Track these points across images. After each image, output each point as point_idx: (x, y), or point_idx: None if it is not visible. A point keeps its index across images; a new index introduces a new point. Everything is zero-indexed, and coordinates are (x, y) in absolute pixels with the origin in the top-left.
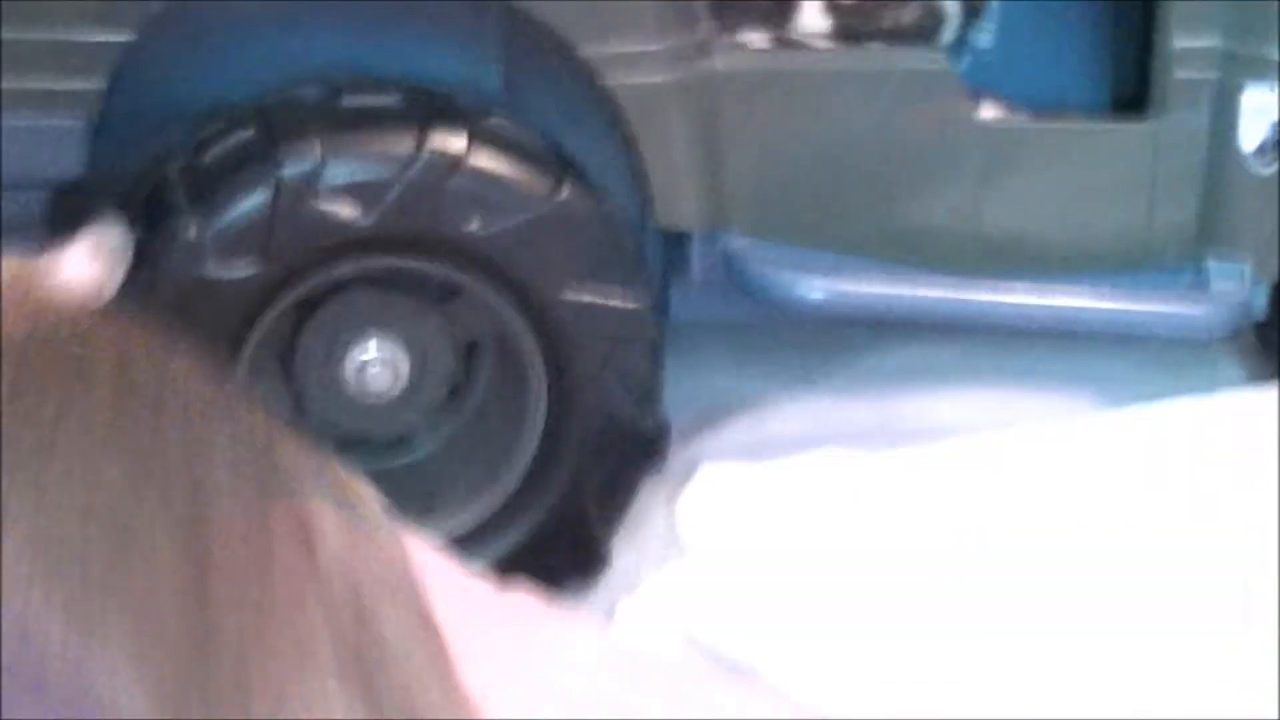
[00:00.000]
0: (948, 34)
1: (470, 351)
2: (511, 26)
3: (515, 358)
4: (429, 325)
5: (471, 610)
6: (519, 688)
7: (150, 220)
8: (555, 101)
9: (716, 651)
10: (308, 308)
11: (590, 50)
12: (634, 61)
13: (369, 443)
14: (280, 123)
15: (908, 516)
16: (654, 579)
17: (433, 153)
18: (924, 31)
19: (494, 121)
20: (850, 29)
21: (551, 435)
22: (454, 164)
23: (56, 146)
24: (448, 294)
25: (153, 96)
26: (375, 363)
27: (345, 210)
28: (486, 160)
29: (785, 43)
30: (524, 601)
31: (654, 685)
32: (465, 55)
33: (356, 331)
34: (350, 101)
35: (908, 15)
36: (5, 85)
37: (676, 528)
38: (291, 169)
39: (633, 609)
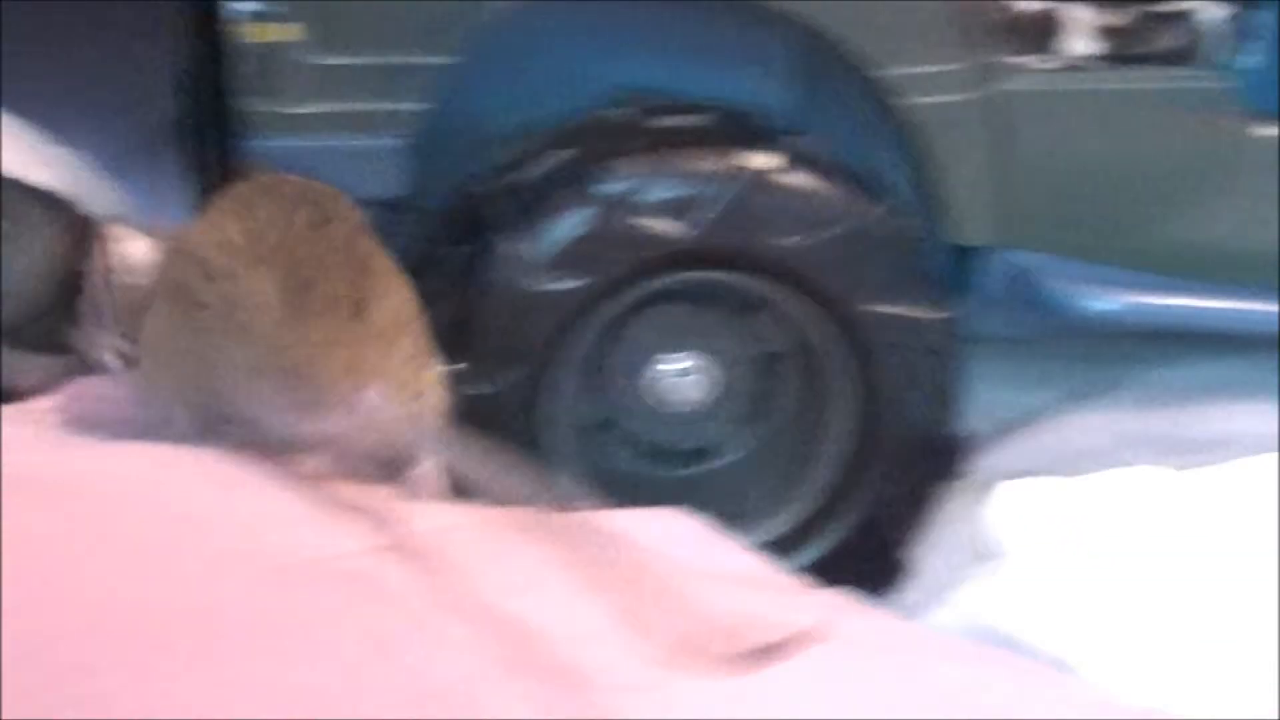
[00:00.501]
0: (1219, 54)
1: (773, 363)
2: (807, 48)
3: (819, 369)
4: (734, 337)
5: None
6: None
7: (471, 235)
8: (850, 120)
9: (1037, 652)
10: (616, 321)
11: (886, 71)
12: (931, 82)
13: (674, 451)
14: (596, 143)
15: (1214, 529)
16: (966, 586)
17: (747, 171)
18: (1194, 53)
19: (801, 140)
20: (1123, 51)
21: (857, 445)
22: (767, 182)
23: (377, 166)
24: (752, 307)
25: (469, 117)
26: (682, 374)
27: (663, 226)
28: (797, 178)
29: (1068, 64)
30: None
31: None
32: (765, 77)
33: (664, 344)
34: (662, 122)
35: (1176, 37)
36: (327, 108)
37: (983, 538)
38: (611, 187)
39: (950, 613)
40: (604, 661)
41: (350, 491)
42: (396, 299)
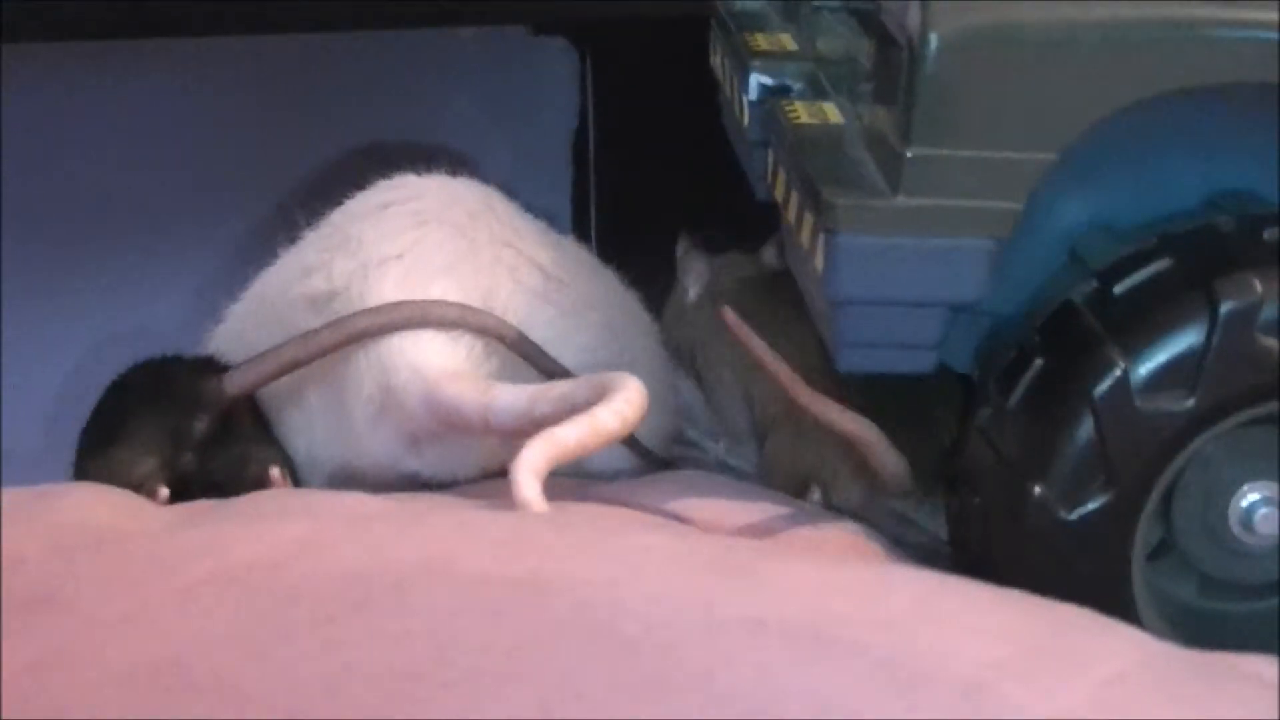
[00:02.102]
0: None
1: None
2: None
3: None
4: None
5: None
6: None
7: (1070, 345)
8: None
9: None
10: (1210, 445)
11: None
12: None
13: (1239, 586)
14: (1203, 255)
15: None
16: None
17: None
18: None
19: None
20: None
21: None
22: None
23: (962, 267)
24: None
25: (1065, 218)
26: (1261, 504)
27: None
28: None
29: None
30: None
31: None
32: None
33: (1242, 471)
34: (1273, 234)
35: None
36: (915, 203)
37: None
38: (1227, 304)
39: None
40: None
41: None
42: None
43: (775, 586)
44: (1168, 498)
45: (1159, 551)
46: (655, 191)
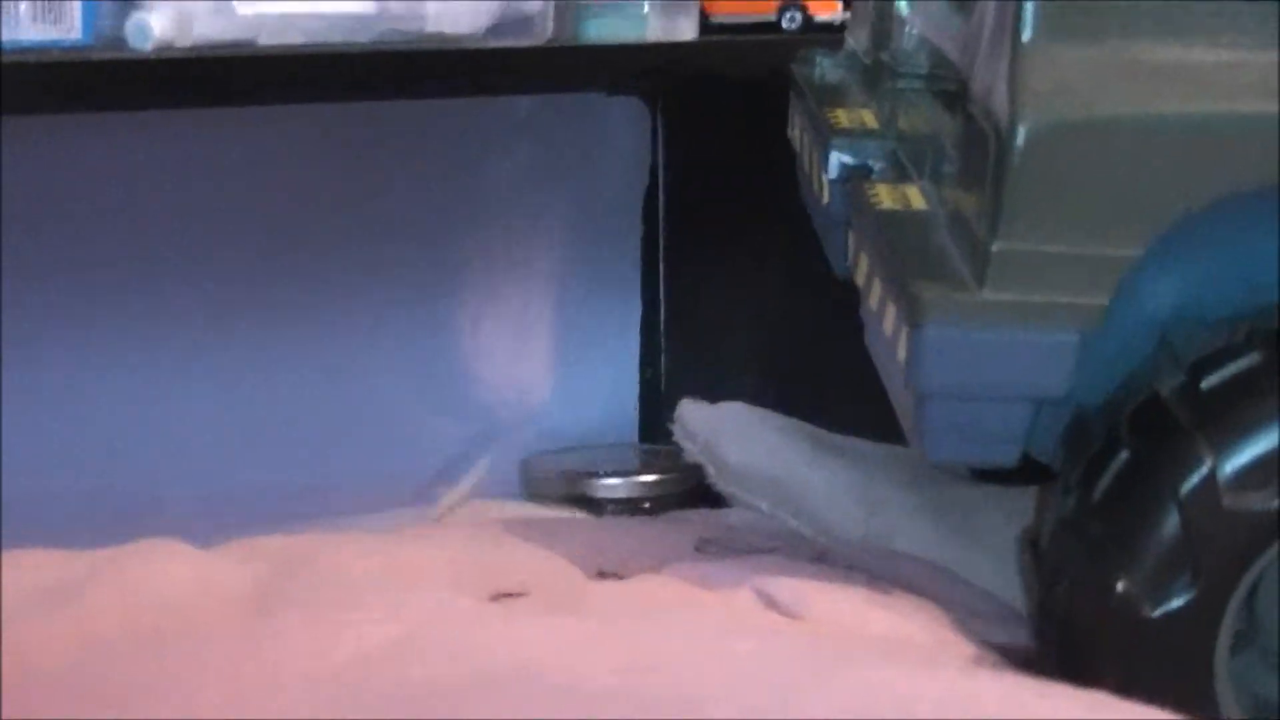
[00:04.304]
0: None
1: None
2: None
3: None
4: None
5: None
6: None
7: (1151, 439)
8: None
9: None
10: None
11: None
12: None
13: None
14: None
15: None
16: None
17: None
18: None
19: None
20: None
21: None
22: None
23: (1048, 361)
24: None
25: (1150, 310)
26: None
27: None
28: None
29: None
30: None
31: None
32: None
33: None
34: None
35: None
36: (1002, 297)
37: None
38: None
39: None
40: None
41: None
42: None
43: (855, 695)
44: (1253, 590)
45: (1243, 643)
46: (727, 262)
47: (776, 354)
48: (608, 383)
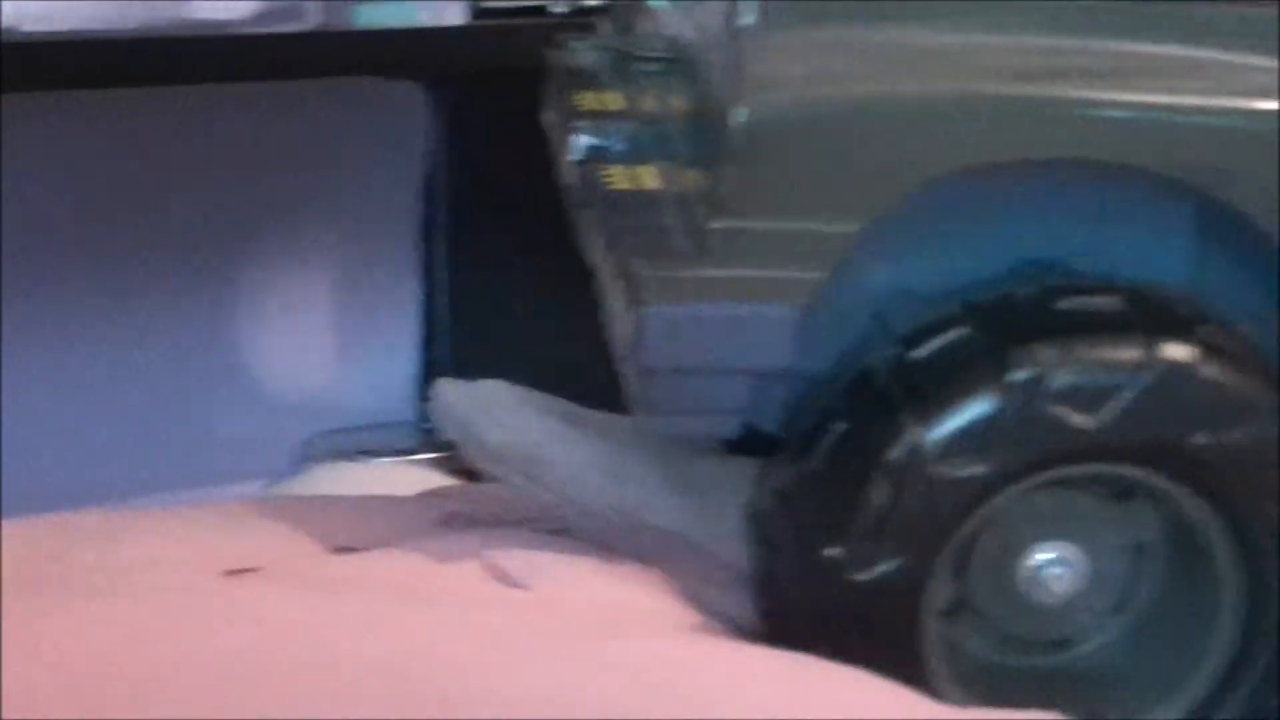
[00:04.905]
0: None
1: (1141, 550)
2: (1205, 220)
3: (1200, 563)
4: (1106, 526)
5: None
6: None
7: (869, 412)
8: (1250, 299)
9: None
10: (1001, 509)
11: None
12: None
13: (1032, 642)
14: (999, 324)
15: None
16: None
17: (1163, 361)
18: None
19: (1213, 328)
20: None
21: (1244, 645)
22: (1185, 374)
23: (767, 336)
24: (1122, 493)
25: (867, 287)
26: (1052, 564)
27: (1073, 417)
28: (1214, 370)
29: None
30: None
31: None
32: (1163, 253)
33: (1034, 532)
34: (1069, 304)
35: None
36: (721, 273)
37: None
38: (1018, 373)
39: None
40: None
41: None
42: None
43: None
44: (964, 556)
45: (956, 609)
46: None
47: (558, 334)
48: (389, 364)
